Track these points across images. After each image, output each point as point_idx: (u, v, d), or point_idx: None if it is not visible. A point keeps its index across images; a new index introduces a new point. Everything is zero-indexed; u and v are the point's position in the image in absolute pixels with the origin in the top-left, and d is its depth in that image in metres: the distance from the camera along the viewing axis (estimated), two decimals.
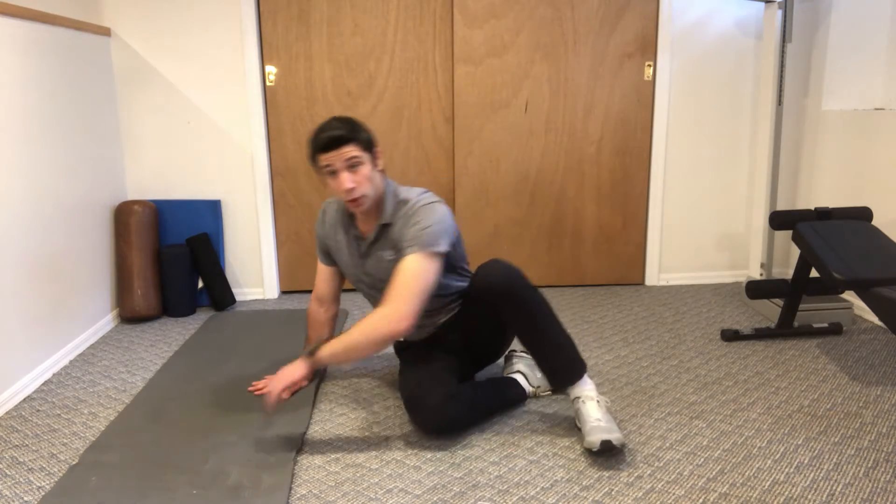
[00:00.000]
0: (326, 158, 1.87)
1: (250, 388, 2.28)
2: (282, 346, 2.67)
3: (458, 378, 2.06)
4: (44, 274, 2.46)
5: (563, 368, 1.93)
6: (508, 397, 2.14)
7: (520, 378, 2.19)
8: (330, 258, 2.19)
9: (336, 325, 2.32)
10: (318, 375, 2.37)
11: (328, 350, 1.84)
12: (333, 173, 1.88)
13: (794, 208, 3.25)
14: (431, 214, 1.90)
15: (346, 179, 1.87)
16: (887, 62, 2.91)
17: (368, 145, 1.91)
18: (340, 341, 1.82)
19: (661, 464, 1.81)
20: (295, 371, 1.85)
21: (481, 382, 2.12)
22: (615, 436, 1.79)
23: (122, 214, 2.99)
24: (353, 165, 1.87)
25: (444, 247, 1.88)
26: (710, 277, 3.56)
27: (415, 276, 1.82)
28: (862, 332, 2.77)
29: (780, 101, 3.06)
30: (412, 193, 1.99)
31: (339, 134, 1.85)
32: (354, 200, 1.91)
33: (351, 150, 1.86)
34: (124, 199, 3.18)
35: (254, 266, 3.35)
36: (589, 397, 1.90)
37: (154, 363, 2.56)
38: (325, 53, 3.21)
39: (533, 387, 2.20)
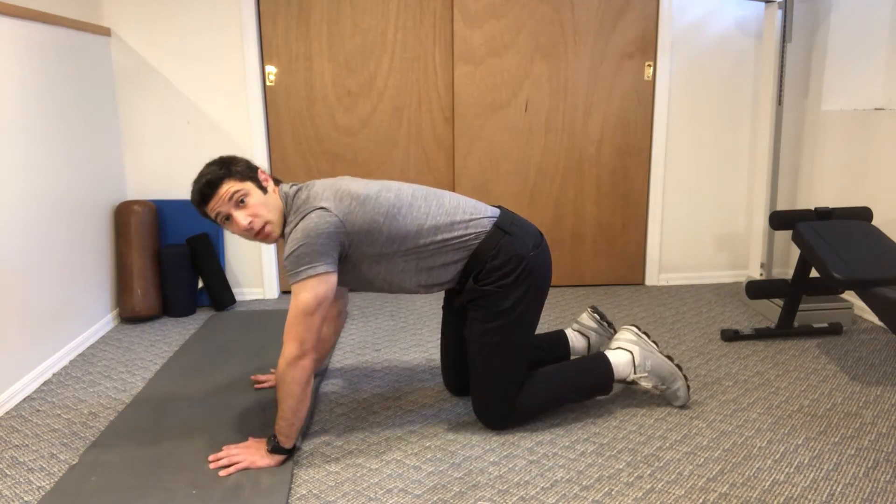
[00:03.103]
0: (212, 207, 1.78)
1: (257, 386, 2.28)
2: (281, 346, 2.67)
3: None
4: (44, 274, 2.46)
5: (598, 392, 2.07)
6: (584, 384, 2.05)
7: (618, 356, 2.07)
8: None
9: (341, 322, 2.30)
10: (319, 376, 2.38)
11: (284, 430, 1.77)
12: (228, 219, 1.79)
13: (794, 208, 3.25)
14: (297, 234, 1.74)
15: (240, 217, 1.77)
16: (887, 62, 2.91)
17: (247, 174, 1.81)
18: (285, 418, 1.75)
19: (661, 464, 1.81)
20: (263, 461, 1.78)
21: (552, 370, 2.05)
22: (672, 400, 2.12)
23: (122, 214, 2.99)
24: (240, 201, 1.78)
25: (316, 268, 1.71)
26: (710, 277, 3.56)
27: (293, 311, 1.71)
28: (862, 332, 2.77)
29: (780, 101, 3.06)
30: (304, 198, 1.82)
31: (209, 178, 1.76)
32: (260, 234, 1.80)
33: (230, 187, 1.77)
34: (124, 199, 3.17)
35: (254, 266, 3.35)
36: (636, 380, 2.06)
37: (154, 363, 2.56)
38: (325, 53, 3.21)
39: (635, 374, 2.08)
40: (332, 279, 1.75)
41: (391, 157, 3.34)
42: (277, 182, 1.91)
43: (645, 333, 2.13)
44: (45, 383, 2.40)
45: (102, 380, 2.42)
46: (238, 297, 3.36)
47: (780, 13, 2.99)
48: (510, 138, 3.34)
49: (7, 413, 2.17)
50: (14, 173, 2.29)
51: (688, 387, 2.10)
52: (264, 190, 1.83)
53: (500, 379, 1.94)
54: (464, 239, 1.87)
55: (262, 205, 1.80)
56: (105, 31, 3.00)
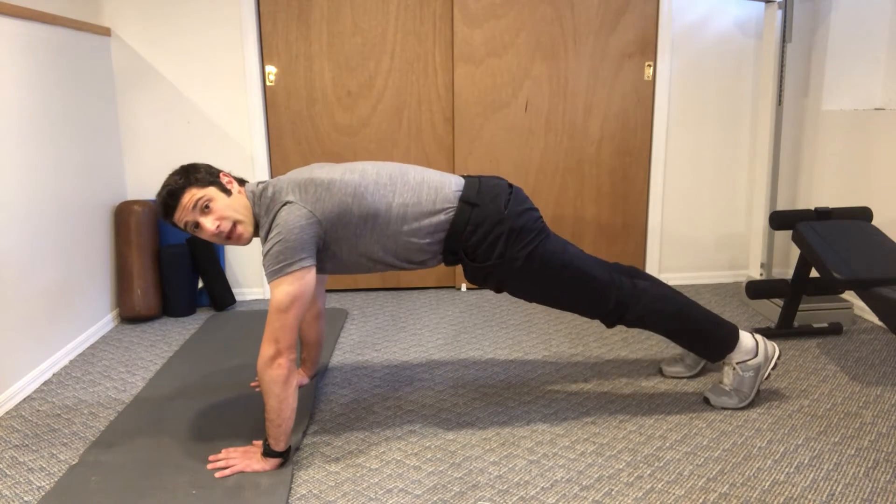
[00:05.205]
0: (178, 217, 1.80)
1: (253, 384, 2.28)
2: None
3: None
4: (44, 274, 2.46)
5: (707, 351, 2.10)
6: None
7: (746, 336, 2.13)
8: None
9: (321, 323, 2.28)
10: (319, 374, 2.38)
11: (271, 431, 1.75)
12: (197, 226, 1.80)
13: (794, 208, 3.25)
14: (273, 233, 1.75)
15: (208, 223, 1.79)
16: (887, 62, 2.91)
17: (208, 180, 1.81)
18: (270, 419, 1.74)
19: (661, 464, 1.81)
20: (258, 465, 1.77)
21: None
22: (712, 396, 2.12)
23: (122, 214, 2.99)
24: (205, 206, 1.78)
25: (292, 265, 1.71)
26: (710, 277, 3.56)
27: (269, 310, 1.71)
28: (862, 332, 2.77)
29: (780, 101, 3.06)
30: (270, 195, 1.83)
31: (170, 189, 1.78)
32: (232, 236, 1.82)
33: (193, 195, 1.78)
34: (124, 199, 3.18)
35: (254, 266, 3.35)
36: (727, 363, 2.11)
37: (154, 363, 2.56)
38: (325, 53, 3.21)
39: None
40: (308, 276, 1.73)
41: (391, 157, 3.33)
42: (243, 182, 1.91)
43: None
44: (45, 383, 2.40)
45: (102, 380, 2.42)
46: (238, 297, 3.36)
47: (780, 13, 2.99)
48: (510, 138, 3.34)
49: (7, 413, 2.17)
50: (14, 173, 2.30)
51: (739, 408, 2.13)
52: (228, 192, 1.83)
53: (583, 282, 1.97)
54: (435, 222, 1.87)
55: (227, 207, 1.80)
56: (105, 31, 3.00)
